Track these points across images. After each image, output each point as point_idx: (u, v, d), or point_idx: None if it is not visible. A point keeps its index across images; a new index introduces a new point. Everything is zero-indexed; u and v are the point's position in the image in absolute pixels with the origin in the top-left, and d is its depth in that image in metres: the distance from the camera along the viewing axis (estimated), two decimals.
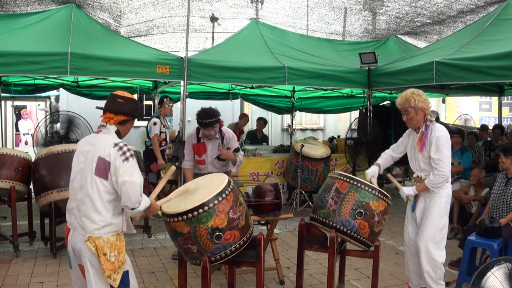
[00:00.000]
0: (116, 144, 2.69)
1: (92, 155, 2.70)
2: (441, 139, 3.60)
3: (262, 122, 9.65)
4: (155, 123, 6.50)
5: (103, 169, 2.66)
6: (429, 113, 3.70)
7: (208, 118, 4.44)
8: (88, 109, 6.84)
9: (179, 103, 8.34)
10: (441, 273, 3.73)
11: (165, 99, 6.67)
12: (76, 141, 6.61)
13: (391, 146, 4.12)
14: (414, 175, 3.89)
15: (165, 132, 6.71)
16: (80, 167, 2.76)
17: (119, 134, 2.82)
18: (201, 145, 4.70)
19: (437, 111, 9.10)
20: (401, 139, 4.03)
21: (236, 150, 4.73)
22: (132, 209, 2.74)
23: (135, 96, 10.99)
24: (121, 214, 2.81)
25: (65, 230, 2.86)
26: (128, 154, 2.68)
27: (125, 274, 2.76)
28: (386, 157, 4.08)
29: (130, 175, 2.67)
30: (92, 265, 2.70)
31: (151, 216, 3.03)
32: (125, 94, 2.89)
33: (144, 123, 12.66)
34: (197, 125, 4.64)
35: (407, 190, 3.79)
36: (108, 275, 2.66)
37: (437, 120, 8.43)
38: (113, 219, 2.73)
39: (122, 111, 2.80)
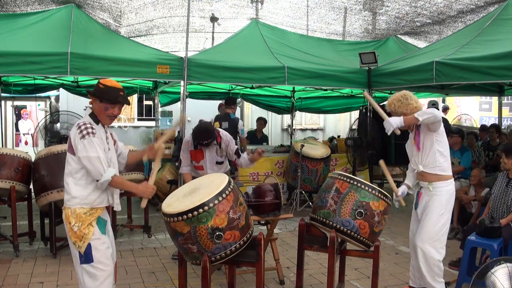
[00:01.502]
0: (77, 124, 2.96)
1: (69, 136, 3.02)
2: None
3: (262, 122, 9.64)
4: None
5: (70, 146, 2.97)
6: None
7: (205, 139, 4.49)
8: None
9: (179, 103, 8.37)
10: (438, 271, 3.71)
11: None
12: None
13: (409, 165, 4.02)
14: (414, 171, 3.88)
15: None
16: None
17: (94, 115, 3.03)
18: (199, 152, 4.70)
19: (437, 101, 9.03)
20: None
21: (237, 152, 4.70)
22: (97, 181, 2.93)
23: (135, 96, 11.00)
24: (96, 192, 3.01)
25: None
26: (84, 132, 2.89)
27: (88, 246, 2.96)
28: (411, 176, 3.96)
29: (86, 150, 2.89)
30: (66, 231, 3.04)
31: (145, 196, 3.13)
32: (102, 80, 3.10)
33: (145, 123, 12.72)
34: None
35: (393, 120, 3.56)
36: (73, 242, 2.97)
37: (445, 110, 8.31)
38: (83, 192, 2.97)
39: (93, 94, 3.03)
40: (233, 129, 6.71)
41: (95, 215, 3.00)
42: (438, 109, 8.86)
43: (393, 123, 3.54)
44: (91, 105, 3.05)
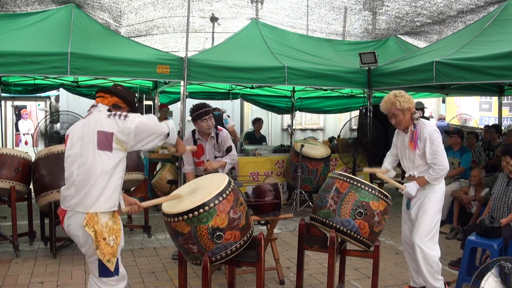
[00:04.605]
0: (109, 114, 2.76)
1: (89, 134, 2.73)
2: (433, 133, 3.66)
3: (259, 122, 9.66)
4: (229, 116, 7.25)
5: (105, 141, 2.70)
6: (414, 111, 3.75)
7: (203, 108, 4.63)
8: (88, 109, 6.86)
9: (179, 103, 8.37)
10: (438, 268, 3.73)
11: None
12: None
13: (388, 152, 4.14)
14: (407, 175, 3.91)
15: None
16: (76, 150, 2.78)
17: None
18: (199, 147, 4.78)
19: (423, 103, 9.17)
20: (393, 143, 4.06)
21: (228, 149, 4.79)
22: (167, 135, 2.77)
23: (136, 95, 10.96)
24: (120, 194, 2.85)
25: (59, 214, 2.86)
26: (124, 113, 2.75)
27: (117, 261, 2.80)
28: (390, 159, 4.09)
29: (136, 119, 2.71)
30: (86, 250, 2.77)
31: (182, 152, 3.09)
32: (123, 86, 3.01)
33: None
34: (193, 128, 4.81)
35: (410, 188, 3.77)
36: (108, 259, 2.70)
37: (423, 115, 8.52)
38: (113, 194, 2.75)
39: (118, 94, 2.88)
40: (220, 124, 6.79)
41: (118, 221, 2.82)
42: (424, 111, 8.93)
43: (412, 191, 3.75)
44: (97, 104, 2.87)
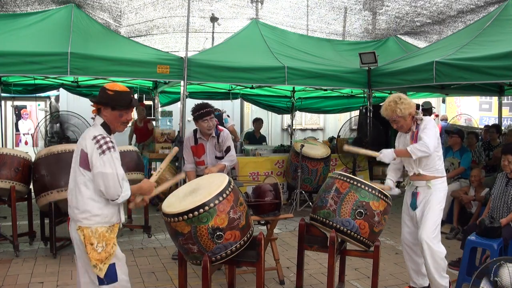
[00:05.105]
0: (94, 137, 2.73)
1: (78, 148, 2.80)
2: (429, 122, 3.72)
3: (259, 122, 9.66)
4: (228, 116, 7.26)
5: (85, 160, 2.74)
6: (416, 112, 3.77)
7: (204, 108, 4.62)
8: (88, 109, 6.84)
9: (179, 103, 8.38)
10: (444, 265, 3.75)
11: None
12: (76, 141, 6.65)
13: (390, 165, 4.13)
14: (410, 173, 3.91)
15: None
16: (74, 159, 2.85)
17: (106, 125, 2.84)
18: (200, 146, 4.79)
19: (431, 103, 9.19)
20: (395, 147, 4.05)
21: (227, 149, 4.78)
22: (112, 200, 2.76)
23: (135, 95, 11.00)
24: (114, 206, 2.84)
25: (67, 219, 2.95)
26: (104, 147, 2.70)
27: (112, 266, 2.80)
28: (394, 171, 4.08)
29: (103, 166, 2.68)
30: (80, 254, 2.83)
31: (150, 196, 3.06)
32: (107, 85, 2.90)
33: None
34: (194, 128, 4.78)
35: (386, 153, 3.74)
36: (94, 264, 2.73)
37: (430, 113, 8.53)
38: (102, 210, 2.78)
39: (95, 101, 2.87)
40: (220, 123, 6.82)
41: (115, 232, 2.84)
42: (432, 111, 8.92)
43: (386, 159, 3.76)
44: (95, 115, 2.85)
